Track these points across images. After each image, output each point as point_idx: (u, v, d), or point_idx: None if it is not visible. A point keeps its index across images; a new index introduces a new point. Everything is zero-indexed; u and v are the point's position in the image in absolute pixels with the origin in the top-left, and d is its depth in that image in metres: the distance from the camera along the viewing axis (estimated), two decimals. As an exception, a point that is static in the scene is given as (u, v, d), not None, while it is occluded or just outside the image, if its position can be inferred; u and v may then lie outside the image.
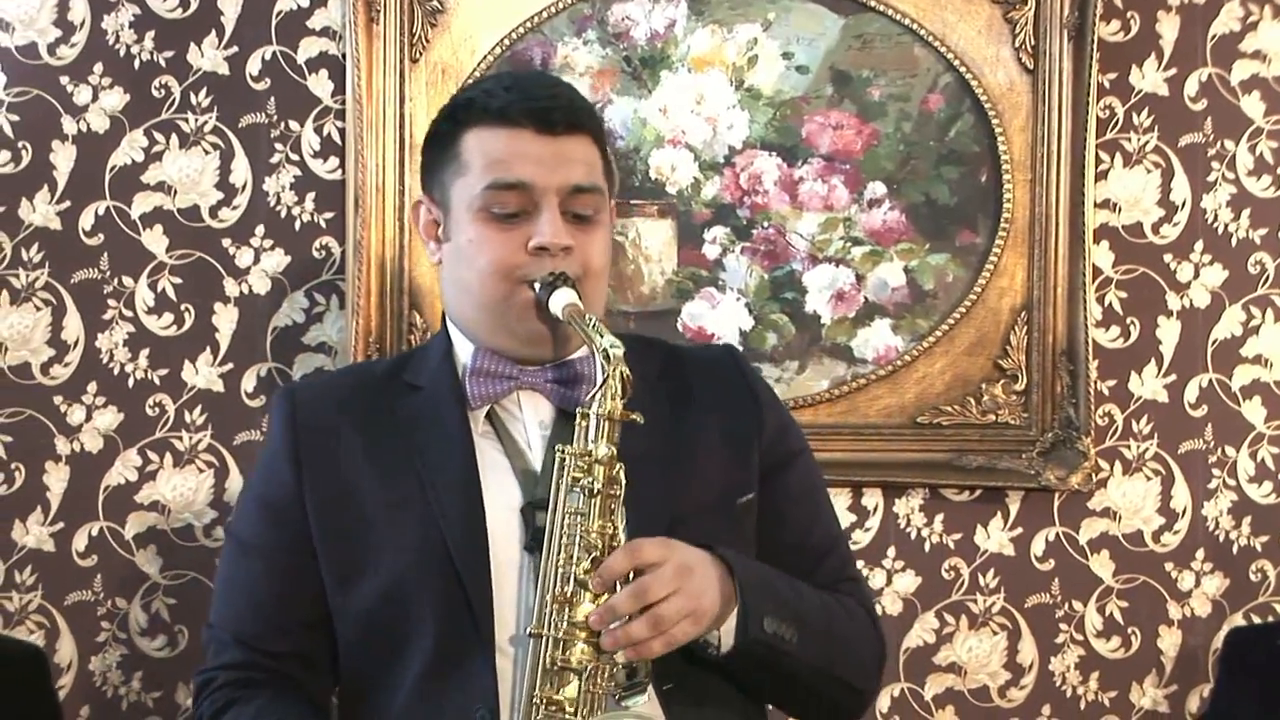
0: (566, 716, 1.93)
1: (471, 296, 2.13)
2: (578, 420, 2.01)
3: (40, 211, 3.05)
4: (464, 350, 2.16)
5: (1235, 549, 3.28)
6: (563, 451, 2.00)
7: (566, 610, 1.95)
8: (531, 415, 2.13)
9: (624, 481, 1.99)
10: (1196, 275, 3.27)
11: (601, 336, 1.99)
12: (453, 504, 2.07)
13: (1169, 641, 3.28)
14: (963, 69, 3.14)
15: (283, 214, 3.10)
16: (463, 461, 2.10)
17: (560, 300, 2.03)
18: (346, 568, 2.10)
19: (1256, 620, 3.24)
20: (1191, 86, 3.25)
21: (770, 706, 2.21)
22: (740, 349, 2.38)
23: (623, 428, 2.02)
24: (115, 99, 3.06)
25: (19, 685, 2.67)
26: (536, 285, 2.06)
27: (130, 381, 3.08)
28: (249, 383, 3.10)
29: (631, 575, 1.93)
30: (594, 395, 2.00)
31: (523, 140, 2.08)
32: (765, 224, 3.11)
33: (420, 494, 2.09)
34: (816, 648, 2.07)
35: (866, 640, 2.19)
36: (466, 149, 2.12)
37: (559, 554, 1.97)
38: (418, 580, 2.05)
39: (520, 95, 2.10)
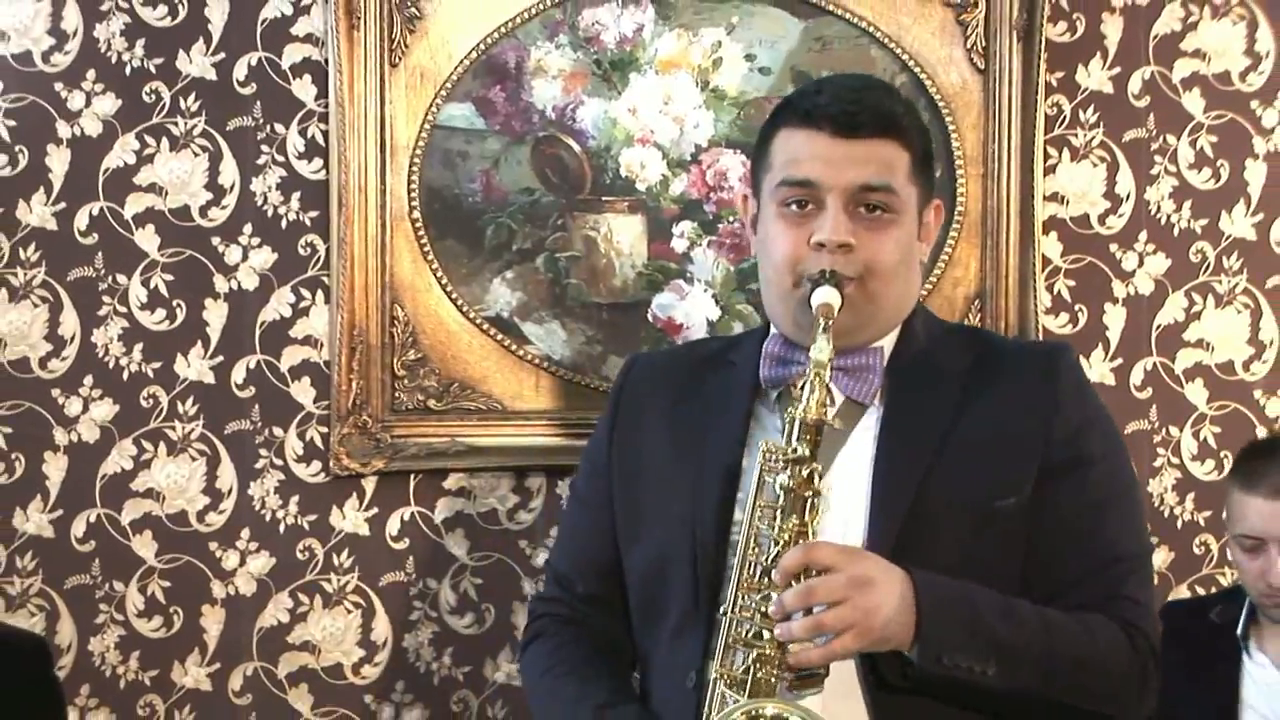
0: (737, 694, 1.96)
1: (769, 286, 2.17)
2: (786, 419, 2.03)
3: (37, 213, 3.10)
4: (770, 334, 2.21)
5: (1180, 524, 3.36)
6: (764, 445, 2.03)
7: (753, 596, 1.98)
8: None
9: (817, 485, 1.99)
10: (1141, 264, 3.34)
11: (817, 341, 1.99)
12: (710, 486, 2.12)
13: None
14: (917, 69, 3.21)
15: (269, 213, 3.16)
16: (732, 447, 2.14)
17: (819, 297, 2.04)
18: (629, 529, 2.22)
19: (1200, 591, 3.32)
20: (1135, 84, 3.32)
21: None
22: (1072, 350, 2.24)
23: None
24: (108, 104, 3.11)
25: (23, 674, 2.66)
26: (810, 280, 2.08)
27: (125, 374, 3.13)
28: (239, 374, 3.16)
29: (814, 574, 1.93)
30: (797, 397, 2.01)
31: (818, 141, 2.10)
32: (731, 218, 3.17)
33: (693, 472, 2.15)
34: (1030, 679, 1.99)
35: (1115, 666, 2.06)
36: (774, 148, 2.16)
37: (752, 543, 1.99)
38: (673, 553, 2.13)
39: (828, 98, 2.11)
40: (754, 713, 1.92)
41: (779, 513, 1.98)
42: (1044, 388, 2.13)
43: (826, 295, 2.03)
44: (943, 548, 2.03)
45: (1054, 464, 2.09)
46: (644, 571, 2.19)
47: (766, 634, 1.95)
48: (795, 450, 1.99)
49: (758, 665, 1.95)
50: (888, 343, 2.17)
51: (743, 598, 1.98)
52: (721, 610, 2.00)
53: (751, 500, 2.01)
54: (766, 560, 1.97)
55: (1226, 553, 3.29)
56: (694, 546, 2.10)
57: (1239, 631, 2.93)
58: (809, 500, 1.98)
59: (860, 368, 2.13)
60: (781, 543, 1.96)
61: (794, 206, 2.11)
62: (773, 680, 1.95)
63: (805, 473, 1.98)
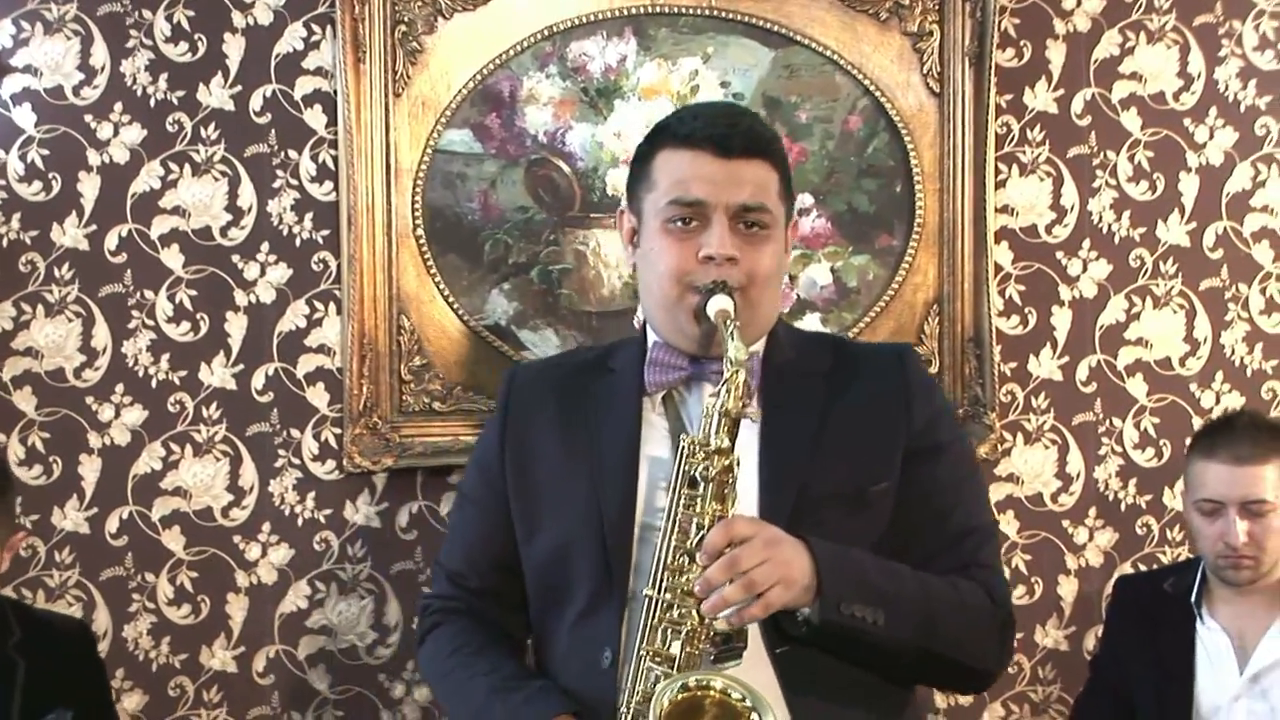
0: (667, 670, 2.03)
1: (653, 296, 2.25)
2: (703, 414, 2.10)
3: (70, 234, 3.17)
4: (651, 342, 2.28)
5: (1123, 507, 3.48)
6: (685, 439, 2.10)
7: (677, 577, 2.05)
8: (700, 401, 2.21)
9: (737, 473, 2.08)
10: (1085, 270, 3.44)
11: (732, 341, 2.08)
12: (612, 481, 2.20)
13: (1067, 589, 3.46)
14: (878, 93, 3.31)
15: (285, 232, 3.23)
16: (628, 443, 2.22)
17: (715, 305, 2.13)
18: (529, 524, 2.28)
19: (1143, 569, 3.42)
20: (1078, 105, 3.42)
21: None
22: (914, 349, 2.43)
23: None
24: (134, 134, 3.18)
25: (69, 655, 2.76)
26: (701, 291, 2.17)
27: (153, 383, 3.21)
28: (258, 381, 3.24)
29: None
30: (717, 393, 2.09)
31: (702, 162, 2.19)
32: None
33: (590, 468, 2.22)
34: (910, 628, 2.09)
35: (981, 621, 2.18)
36: (656, 168, 2.24)
37: (674, 529, 2.07)
38: (577, 543, 2.20)
39: (705, 123, 2.21)
40: (690, 686, 1.99)
41: (700, 499, 2.06)
42: (897, 384, 2.26)
43: (722, 303, 2.13)
44: (827, 529, 2.13)
45: (913, 451, 2.23)
46: (546, 559, 2.25)
47: (691, 611, 2.03)
48: (717, 441, 2.07)
49: (684, 641, 2.03)
50: (759, 347, 2.28)
51: (667, 579, 2.05)
52: (645, 592, 2.06)
53: (674, 489, 2.09)
54: (690, 544, 2.05)
55: (1166, 533, 3.45)
56: (602, 532, 2.17)
57: (1192, 599, 3.00)
58: (728, 487, 2.07)
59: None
60: (705, 526, 2.05)
61: (680, 223, 2.19)
62: (698, 655, 2.04)
63: (726, 462, 2.07)
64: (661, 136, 2.26)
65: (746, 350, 2.10)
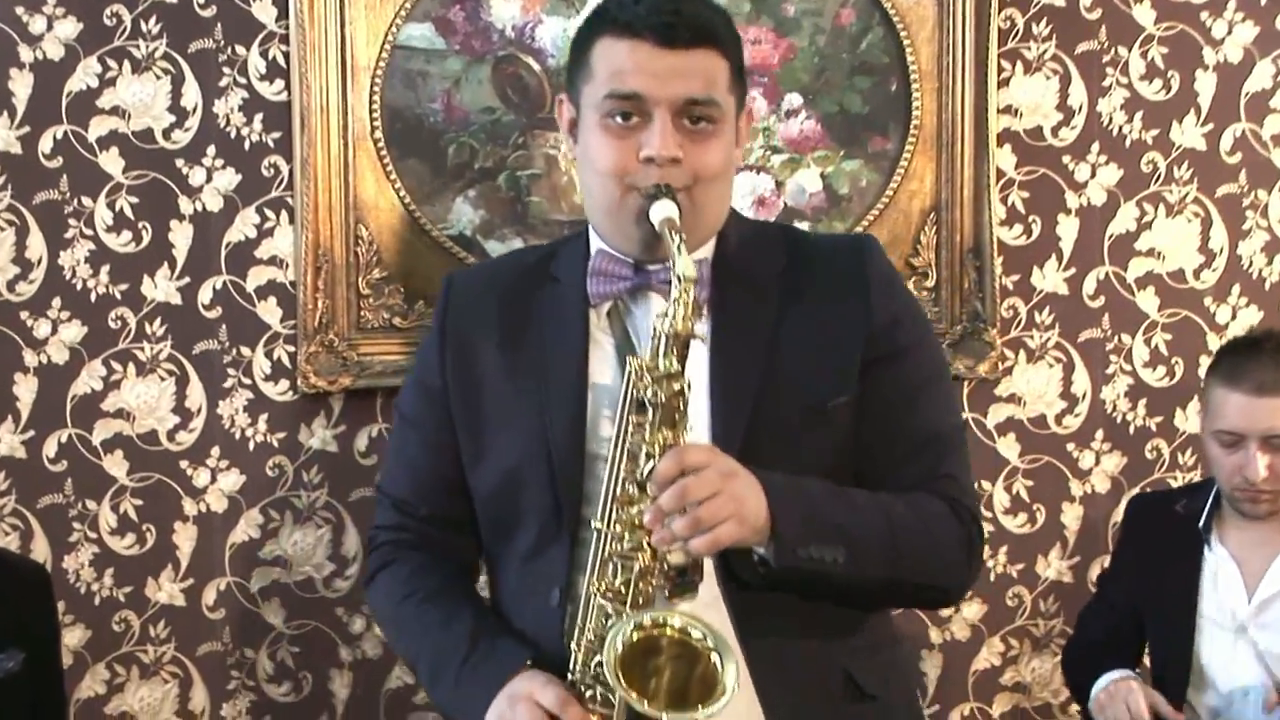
0: (618, 607, 1.96)
1: (593, 197, 2.15)
2: (651, 334, 2.01)
3: (1, 137, 3.06)
4: (594, 248, 2.19)
5: (1132, 430, 3.43)
6: (632, 363, 2.01)
7: (626, 509, 1.98)
8: (648, 313, 2.12)
9: (688, 397, 1.99)
10: (1093, 175, 3.38)
11: (680, 256, 1.98)
12: (560, 403, 2.11)
13: (1071, 516, 3.42)
14: None
15: (232, 135, 3.13)
16: (577, 362, 2.14)
17: (659, 212, 2.03)
18: (475, 448, 2.20)
19: None
20: None
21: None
22: (876, 240, 2.26)
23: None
24: (69, 28, 3.06)
25: (28, 598, 2.69)
26: (644, 193, 2.06)
27: (92, 296, 3.11)
28: (205, 295, 3.14)
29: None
30: (665, 313, 1.99)
31: (642, 52, 2.06)
32: None
33: (538, 389, 2.13)
34: (873, 561, 2.03)
35: (947, 538, 2.11)
36: (594, 56, 2.11)
37: (623, 458, 1.99)
38: (526, 470, 2.12)
39: (646, 9, 2.07)
40: (646, 625, 1.93)
41: (650, 427, 1.98)
42: (856, 284, 2.15)
43: (666, 209, 2.03)
44: (785, 450, 2.06)
45: (875, 357, 2.13)
46: (493, 488, 2.18)
47: (643, 544, 1.96)
48: (666, 365, 1.98)
49: (636, 577, 1.97)
50: (707, 251, 2.18)
51: (616, 511, 1.99)
52: (594, 526, 2.00)
53: (622, 415, 2.01)
54: (640, 474, 1.97)
55: (1177, 457, 3.43)
56: (551, 465, 2.10)
57: (1201, 524, 2.98)
58: (678, 413, 1.99)
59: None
60: (655, 455, 1.96)
61: (619, 119, 2.08)
62: (650, 591, 1.98)
63: (676, 386, 1.98)
64: (600, 22, 2.13)
65: (695, 266, 2.01)
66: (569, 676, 2.00)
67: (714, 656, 1.90)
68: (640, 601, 1.97)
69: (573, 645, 2.00)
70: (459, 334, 2.25)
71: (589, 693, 1.98)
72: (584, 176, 2.20)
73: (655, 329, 2.00)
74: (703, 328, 2.07)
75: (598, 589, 1.98)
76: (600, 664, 1.93)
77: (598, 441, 2.09)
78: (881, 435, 2.13)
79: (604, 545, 1.99)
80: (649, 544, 1.95)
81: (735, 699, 1.89)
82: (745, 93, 2.19)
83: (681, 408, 1.99)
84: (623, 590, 1.97)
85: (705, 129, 2.09)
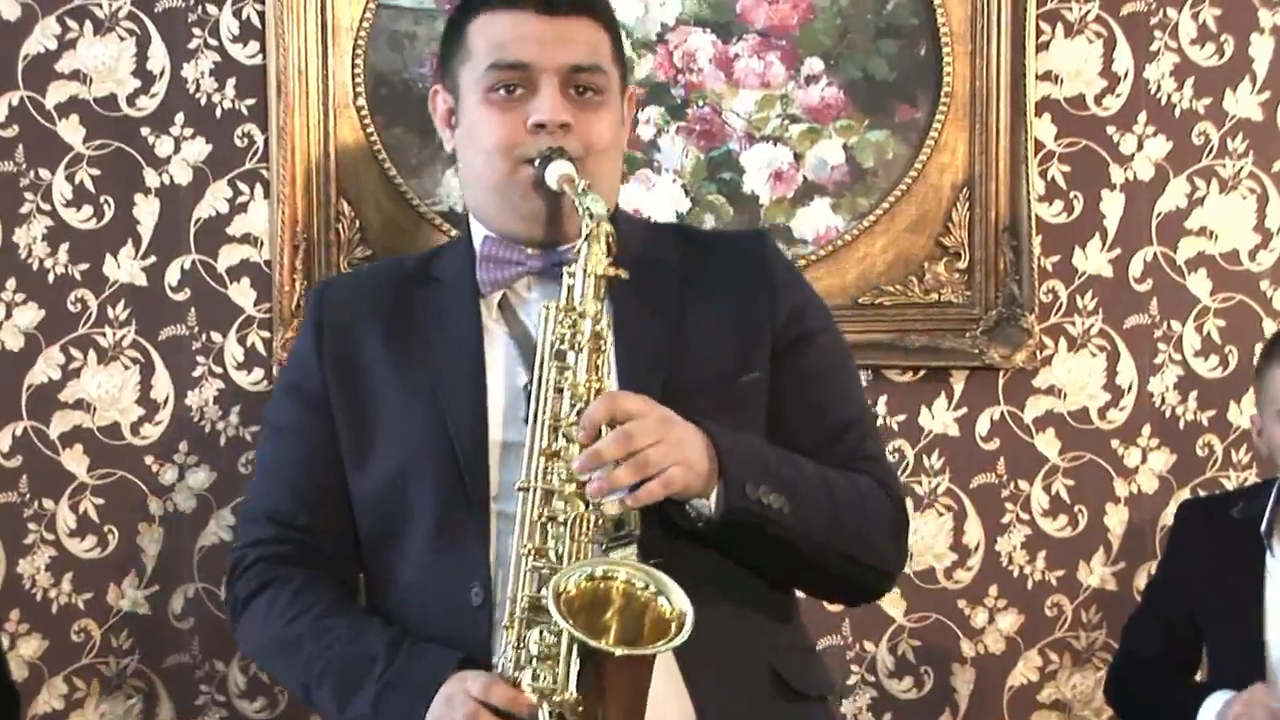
0: (552, 566, 1.97)
1: (480, 180, 2.20)
2: (564, 278, 2.07)
3: None
4: (479, 239, 2.23)
5: (1182, 424, 3.33)
6: (548, 307, 2.06)
7: (553, 463, 2.00)
8: (540, 300, 2.16)
9: (610, 338, 2.06)
10: (1140, 147, 3.30)
11: (587, 196, 2.05)
12: (457, 395, 2.14)
13: (1116, 519, 3.33)
14: None
15: (203, 101, 3.09)
16: (472, 352, 2.17)
17: (555, 171, 2.08)
18: (360, 451, 2.20)
19: (1202, 494, 3.29)
20: None
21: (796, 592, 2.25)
22: (770, 234, 2.41)
23: (624, 310, 2.12)
24: None
25: None
26: (536, 161, 2.12)
27: (50, 277, 3.06)
28: (173, 276, 3.09)
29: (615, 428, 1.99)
30: (577, 250, 2.06)
31: (523, 22, 2.15)
32: (700, 103, 3.10)
33: (430, 385, 2.16)
34: (815, 520, 2.08)
35: (880, 516, 2.19)
36: (472, 35, 2.18)
37: (546, 408, 2.02)
38: (420, 466, 2.14)
39: None
40: (595, 575, 1.94)
41: (572, 371, 2.03)
42: (759, 272, 2.24)
43: (564, 168, 2.08)
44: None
45: (787, 340, 2.21)
46: (381, 488, 2.19)
47: (574, 499, 1.98)
48: (583, 305, 2.04)
49: (570, 531, 1.99)
50: None
51: (541, 465, 2.01)
52: (518, 486, 2.01)
53: (542, 363, 2.05)
54: (564, 423, 2.00)
55: (1230, 454, 3.36)
56: (453, 455, 2.12)
57: (1262, 529, 2.94)
58: (600, 355, 2.04)
59: None
60: (581, 400, 2.01)
61: (503, 91, 2.15)
62: (585, 547, 1.99)
63: (596, 327, 2.04)
64: (475, 2, 2.22)
65: (603, 203, 2.07)
66: (498, 662, 1.99)
67: (661, 600, 1.93)
68: (577, 557, 1.98)
69: (503, 620, 1.99)
70: (337, 328, 2.27)
71: (527, 670, 1.96)
72: (467, 160, 2.24)
73: (572, 271, 2.06)
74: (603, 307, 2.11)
75: (527, 551, 1.99)
76: (542, 627, 1.94)
77: (500, 429, 2.13)
78: (801, 420, 2.20)
79: (532, 505, 2.00)
80: (580, 498, 1.98)
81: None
82: (627, 72, 2.29)
83: (602, 349, 2.04)
84: (555, 550, 1.99)
85: (593, 99, 2.16)
